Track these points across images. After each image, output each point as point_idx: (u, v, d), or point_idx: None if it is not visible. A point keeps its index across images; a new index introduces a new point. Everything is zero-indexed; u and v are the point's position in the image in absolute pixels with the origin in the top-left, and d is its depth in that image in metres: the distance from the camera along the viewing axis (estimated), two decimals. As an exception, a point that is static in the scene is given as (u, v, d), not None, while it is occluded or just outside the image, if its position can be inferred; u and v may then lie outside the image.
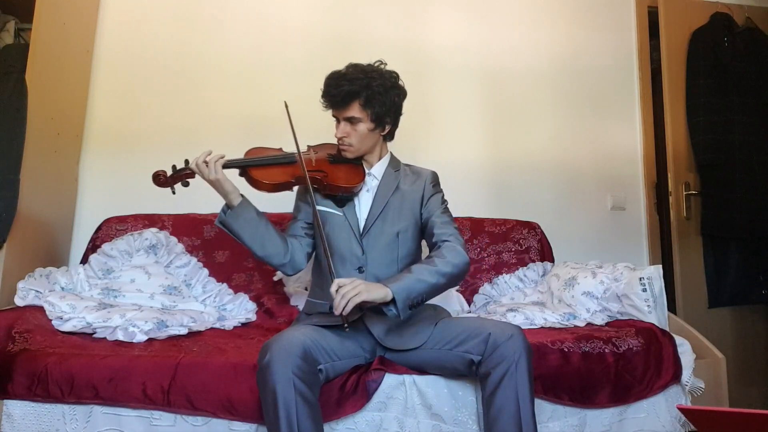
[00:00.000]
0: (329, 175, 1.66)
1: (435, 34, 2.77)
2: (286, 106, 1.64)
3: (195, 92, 2.56)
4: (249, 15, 2.63)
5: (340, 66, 1.69)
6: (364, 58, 1.72)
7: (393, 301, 1.43)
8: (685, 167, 2.71)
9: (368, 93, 1.61)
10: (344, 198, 1.69)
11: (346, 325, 1.39)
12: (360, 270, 1.64)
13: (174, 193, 1.64)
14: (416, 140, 2.61)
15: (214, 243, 2.22)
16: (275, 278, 2.20)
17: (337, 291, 1.37)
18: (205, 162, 1.56)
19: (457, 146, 2.72)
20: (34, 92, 2.03)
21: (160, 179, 1.61)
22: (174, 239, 2.17)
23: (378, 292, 1.41)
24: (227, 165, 1.59)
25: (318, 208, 1.61)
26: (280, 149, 1.73)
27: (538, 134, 2.81)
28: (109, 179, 2.46)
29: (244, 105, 2.57)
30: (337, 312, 1.37)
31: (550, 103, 2.84)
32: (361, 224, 1.68)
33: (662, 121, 2.79)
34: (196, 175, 1.61)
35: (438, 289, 1.55)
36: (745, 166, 2.69)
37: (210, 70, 2.58)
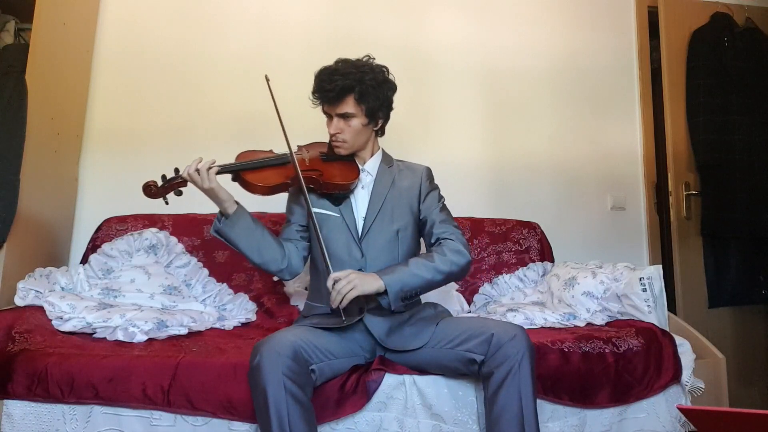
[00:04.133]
0: (324, 174, 1.63)
1: (435, 33, 2.76)
2: (267, 80, 1.61)
3: (195, 92, 2.55)
4: (249, 15, 2.63)
5: (340, 65, 1.68)
6: (364, 58, 1.71)
7: (386, 292, 1.49)
8: (685, 167, 2.71)
9: (362, 87, 1.58)
10: (341, 196, 1.67)
11: (344, 319, 1.44)
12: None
13: (167, 203, 1.57)
14: (416, 140, 2.61)
15: (214, 243, 2.21)
16: (275, 278, 2.20)
17: (333, 286, 1.43)
18: (197, 170, 1.50)
19: (457, 146, 2.72)
20: (34, 92, 2.02)
21: (151, 190, 1.53)
22: (174, 239, 2.18)
23: (371, 285, 1.48)
24: (219, 171, 1.54)
25: (313, 210, 1.58)
26: (271, 151, 1.69)
27: (538, 134, 2.81)
28: (109, 179, 2.46)
29: (244, 105, 2.56)
30: (333, 306, 1.44)
31: (550, 103, 2.84)
32: (359, 224, 1.67)
33: (662, 121, 2.79)
34: (189, 183, 1.55)
35: (433, 285, 1.56)
36: (745, 166, 2.69)
37: (210, 70, 2.57)
